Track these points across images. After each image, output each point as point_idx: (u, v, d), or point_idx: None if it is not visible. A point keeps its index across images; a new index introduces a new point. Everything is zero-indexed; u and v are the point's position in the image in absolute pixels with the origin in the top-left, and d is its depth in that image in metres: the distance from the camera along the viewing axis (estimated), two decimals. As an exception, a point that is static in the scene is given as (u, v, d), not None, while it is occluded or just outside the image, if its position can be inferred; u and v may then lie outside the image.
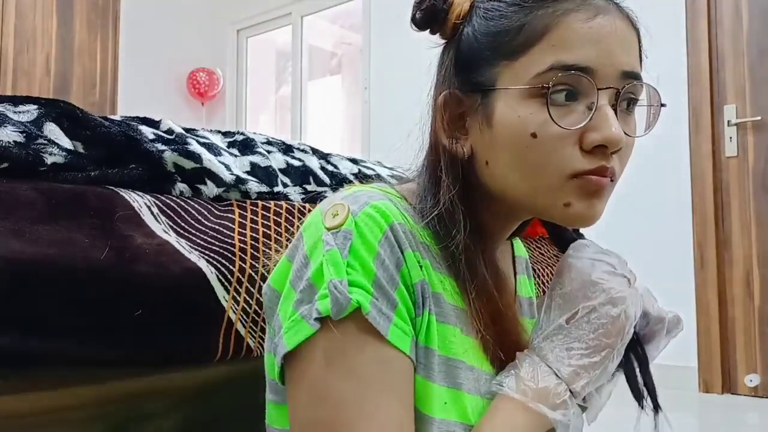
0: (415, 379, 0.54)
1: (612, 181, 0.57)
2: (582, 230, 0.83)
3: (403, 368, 0.52)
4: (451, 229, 0.58)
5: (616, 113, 0.55)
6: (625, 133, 0.56)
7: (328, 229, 0.53)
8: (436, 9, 0.61)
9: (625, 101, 0.58)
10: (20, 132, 0.63)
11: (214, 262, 0.68)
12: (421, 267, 0.55)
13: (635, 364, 0.64)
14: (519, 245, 0.79)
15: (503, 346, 0.59)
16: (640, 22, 0.60)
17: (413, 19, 0.62)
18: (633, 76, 0.57)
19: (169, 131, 0.80)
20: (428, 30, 0.63)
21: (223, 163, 0.81)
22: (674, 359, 2.79)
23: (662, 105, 0.62)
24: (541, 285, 1.28)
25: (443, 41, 0.64)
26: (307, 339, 0.51)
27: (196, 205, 0.75)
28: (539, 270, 1.30)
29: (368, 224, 0.53)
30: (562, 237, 0.72)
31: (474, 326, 0.58)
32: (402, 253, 0.54)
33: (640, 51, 0.60)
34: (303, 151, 1.02)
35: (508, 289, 0.65)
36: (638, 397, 0.64)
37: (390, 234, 0.53)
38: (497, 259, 0.66)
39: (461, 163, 0.60)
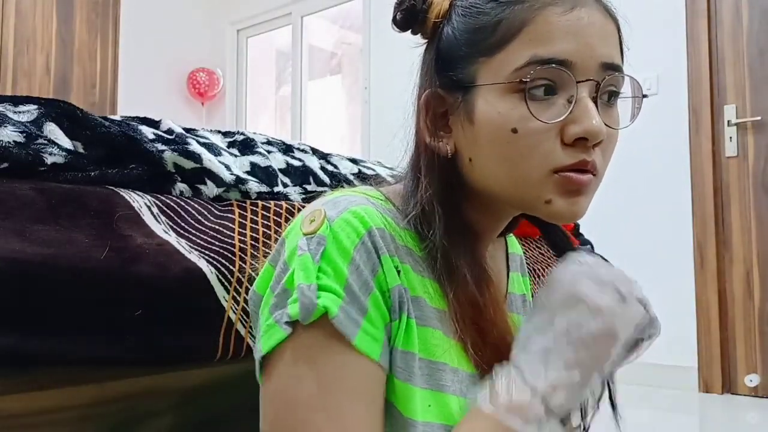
0: (395, 385, 0.54)
1: (595, 176, 0.57)
2: (582, 230, 0.83)
3: (371, 374, 0.52)
4: (429, 228, 0.58)
5: (597, 106, 0.55)
6: (607, 126, 0.56)
7: (305, 235, 0.54)
8: (416, 9, 0.61)
9: (606, 94, 0.57)
10: (20, 132, 0.63)
11: (214, 262, 0.68)
12: (399, 272, 0.55)
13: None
14: (513, 242, 0.79)
15: (484, 346, 0.58)
16: (618, 12, 0.59)
17: (394, 20, 0.62)
18: (613, 68, 0.56)
19: (169, 131, 0.80)
20: (409, 30, 0.63)
21: (223, 163, 0.81)
22: (674, 359, 2.79)
23: (644, 96, 0.61)
24: (541, 285, 1.28)
25: (425, 41, 0.64)
26: (279, 343, 0.51)
27: (196, 205, 0.75)
28: (539, 270, 1.30)
29: (345, 230, 0.53)
30: (554, 237, 0.71)
31: (454, 328, 0.58)
32: (379, 258, 0.54)
33: (620, 43, 0.59)
34: (303, 151, 1.02)
35: (497, 288, 0.64)
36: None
37: (367, 239, 0.53)
38: (486, 258, 0.66)
39: (443, 162, 0.60)
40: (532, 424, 0.52)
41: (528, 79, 0.54)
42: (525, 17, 0.55)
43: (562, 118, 0.54)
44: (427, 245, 0.58)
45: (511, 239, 0.79)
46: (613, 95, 0.59)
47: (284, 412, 0.51)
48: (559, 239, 0.71)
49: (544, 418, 0.53)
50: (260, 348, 0.53)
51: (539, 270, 1.30)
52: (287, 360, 0.52)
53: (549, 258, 1.37)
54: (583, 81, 0.55)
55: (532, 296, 0.80)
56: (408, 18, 0.62)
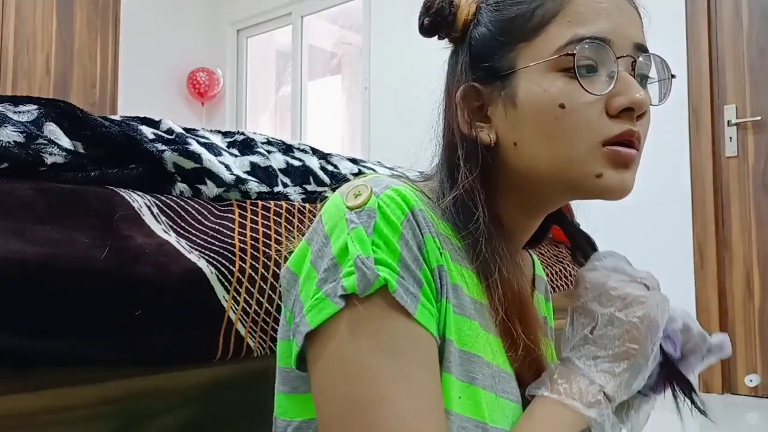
0: None
1: (638, 151, 0.59)
2: (582, 228, 0.83)
3: (432, 346, 0.52)
4: (471, 215, 0.58)
5: None
6: None
7: (351, 209, 0.53)
8: (444, 13, 0.62)
9: (638, 77, 0.59)
10: (20, 132, 0.63)
11: (214, 262, 0.68)
12: (441, 253, 0.55)
13: (677, 388, 0.67)
14: (539, 266, 0.80)
15: (519, 338, 0.58)
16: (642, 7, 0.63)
17: (421, 27, 0.63)
18: (644, 49, 0.60)
19: (169, 131, 0.80)
20: (436, 35, 0.64)
21: (223, 163, 0.81)
22: (674, 359, 2.79)
23: (672, 76, 0.65)
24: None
25: (451, 45, 0.65)
26: (331, 317, 0.50)
27: (196, 205, 0.75)
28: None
29: (390, 206, 0.53)
30: (581, 248, 0.72)
31: (493, 321, 0.58)
32: (422, 236, 0.53)
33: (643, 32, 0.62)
34: (303, 151, 1.02)
35: (529, 293, 0.65)
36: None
37: (411, 217, 0.53)
38: (519, 264, 0.66)
39: (483, 152, 0.60)
40: (593, 408, 0.56)
41: (575, 52, 0.56)
42: (560, 1, 0.58)
43: (608, 91, 0.57)
44: (468, 234, 0.58)
45: (537, 263, 0.79)
46: (644, 79, 0.62)
47: (352, 386, 0.50)
48: (585, 241, 0.73)
49: (603, 404, 0.57)
50: (306, 323, 0.51)
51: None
52: (343, 333, 0.50)
53: (549, 258, 1.36)
54: (622, 56, 0.57)
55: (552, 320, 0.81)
56: (436, 22, 0.63)
